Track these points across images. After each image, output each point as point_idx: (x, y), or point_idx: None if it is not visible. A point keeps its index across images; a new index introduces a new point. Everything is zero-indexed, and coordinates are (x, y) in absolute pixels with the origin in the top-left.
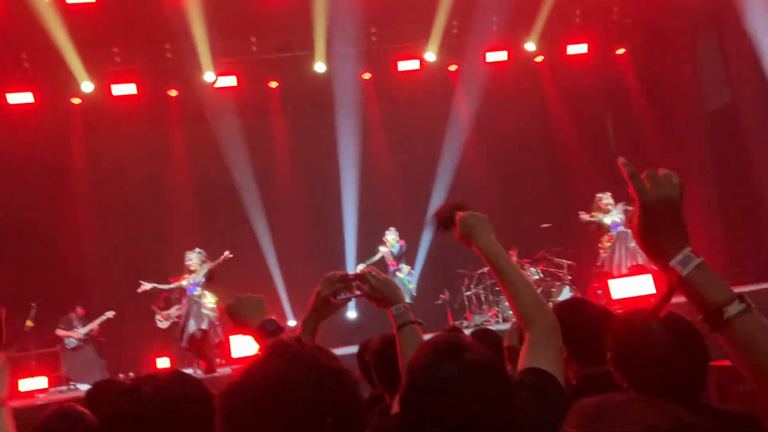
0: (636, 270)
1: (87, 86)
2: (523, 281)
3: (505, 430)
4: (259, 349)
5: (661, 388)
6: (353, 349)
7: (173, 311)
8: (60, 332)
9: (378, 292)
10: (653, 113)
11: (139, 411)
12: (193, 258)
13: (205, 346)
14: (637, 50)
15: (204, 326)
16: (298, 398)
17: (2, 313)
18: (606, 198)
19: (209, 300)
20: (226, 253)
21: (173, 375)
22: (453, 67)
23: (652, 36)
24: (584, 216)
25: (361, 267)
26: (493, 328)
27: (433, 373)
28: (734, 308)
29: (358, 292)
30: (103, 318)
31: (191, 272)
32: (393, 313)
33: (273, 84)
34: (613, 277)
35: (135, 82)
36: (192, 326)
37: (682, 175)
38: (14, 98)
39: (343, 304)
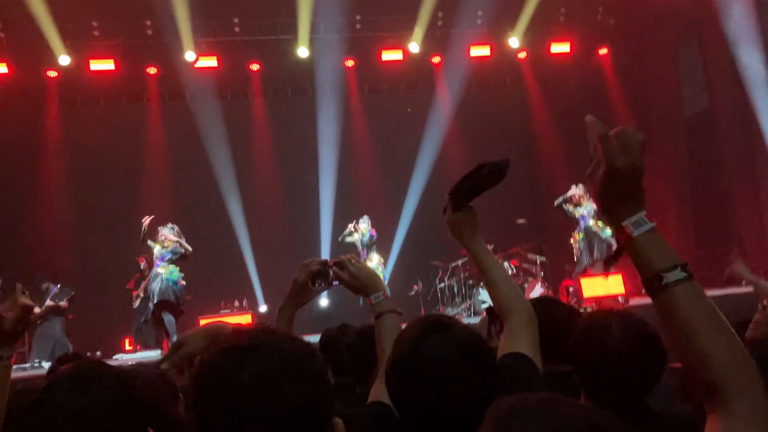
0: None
1: (64, 59)
2: (504, 275)
3: (487, 402)
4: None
5: (611, 388)
6: None
7: (141, 289)
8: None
9: (357, 279)
10: (632, 115)
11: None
12: (166, 232)
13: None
14: (619, 51)
15: (164, 297)
16: (263, 354)
17: None
18: (578, 190)
19: (170, 273)
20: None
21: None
22: (436, 59)
23: (634, 38)
24: (558, 200)
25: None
26: (465, 321)
27: (423, 346)
28: (674, 275)
29: (336, 281)
30: (63, 300)
31: (164, 246)
32: (372, 301)
33: (254, 66)
34: (587, 275)
35: (113, 58)
36: (153, 301)
37: (658, 179)
38: None
39: (322, 290)
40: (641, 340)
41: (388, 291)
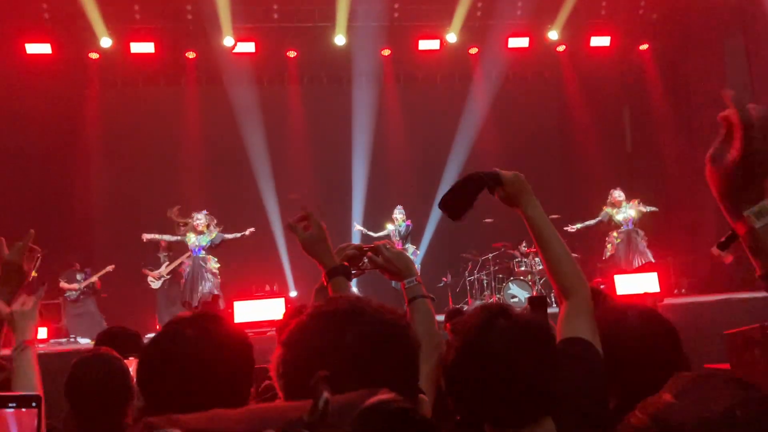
0: (645, 268)
1: (105, 42)
2: (565, 252)
3: (552, 389)
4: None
5: (630, 380)
6: None
7: (163, 269)
8: (62, 285)
9: (392, 264)
10: (672, 113)
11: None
12: (201, 219)
13: (217, 310)
14: (660, 47)
15: (216, 291)
16: (367, 320)
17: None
18: (618, 194)
19: (213, 264)
20: (251, 229)
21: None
22: (474, 50)
23: (677, 34)
24: (577, 226)
25: (359, 228)
26: None
27: (491, 331)
28: None
29: (369, 267)
30: (103, 272)
31: (199, 232)
32: (405, 286)
33: (291, 53)
34: (620, 272)
35: (153, 41)
36: (205, 287)
37: (698, 179)
38: (33, 48)
39: (357, 275)
40: (658, 333)
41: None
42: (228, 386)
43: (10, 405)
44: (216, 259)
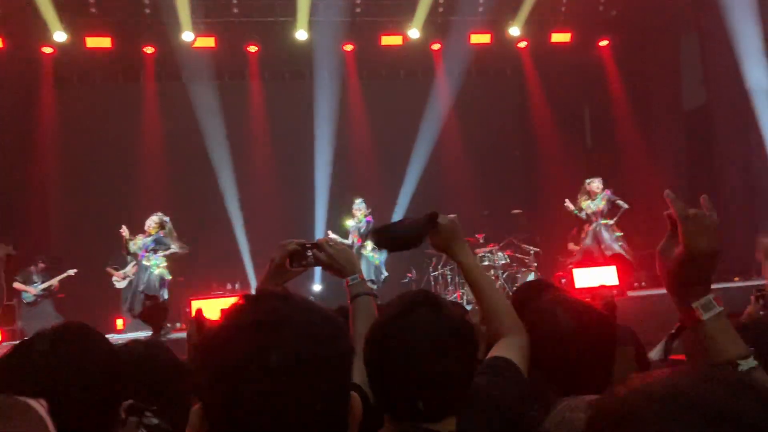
0: (611, 260)
1: (60, 36)
2: (503, 299)
3: (461, 389)
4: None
5: (561, 370)
6: None
7: (129, 269)
8: (17, 285)
9: (335, 261)
10: (631, 108)
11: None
12: (150, 223)
13: (153, 314)
14: (620, 43)
15: (151, 292)
16: (294, 333)
17: None
18: (596, 182)
19: (158, 262)
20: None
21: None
22: (436, 46)
23: (636, 30)
24: (569, 205)
25: (333, 236)
26: None
27: (412, 316)
28: (748, 364)
29: (313, 262)
30: (64, 275)
31: (147, 235)
32: (349, 283)
33: (252, 48)
34: (578, 265)
35: (110, 36)
36: (139, 294)
37: (655, 173)
38: None
39: (299, 272)
40: (590, 325)
41: (377, 277)
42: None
43: None
44: (163, 260)
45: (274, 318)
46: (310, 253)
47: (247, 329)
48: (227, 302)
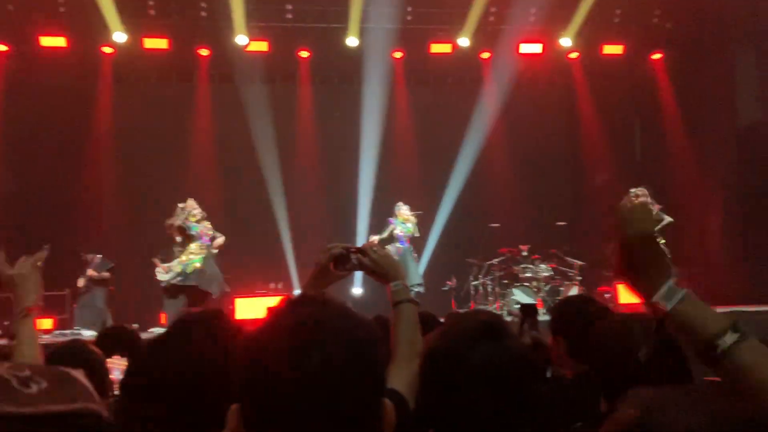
0: None
1: (119, 36)
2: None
3: (528, 420)
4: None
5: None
6: None
7: (175, 263)
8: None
9: (379, 266)
10: (683, 123)
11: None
12: (197, 213)
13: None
14: (673, 57)
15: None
16: (332, 338)
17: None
18: (641, 194)
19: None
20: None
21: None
22: (485, 55)
23: (690, 43)
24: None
25: (375, 239)
26: None
27: (477, 349)
28: (729, 339)
29: (357, 267)
30: (108, 266)
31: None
32: (391, 289)
33: (304, 53)
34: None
35: (167, 37)
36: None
37: (707, 189)
38: (47, 41)
39: (343, 276)
40: (663, 344)
41: (421, 282)
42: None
43: None
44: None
45: (311, 322)
46: (354, 258)
47: (284, 332)
48: (270, 301)
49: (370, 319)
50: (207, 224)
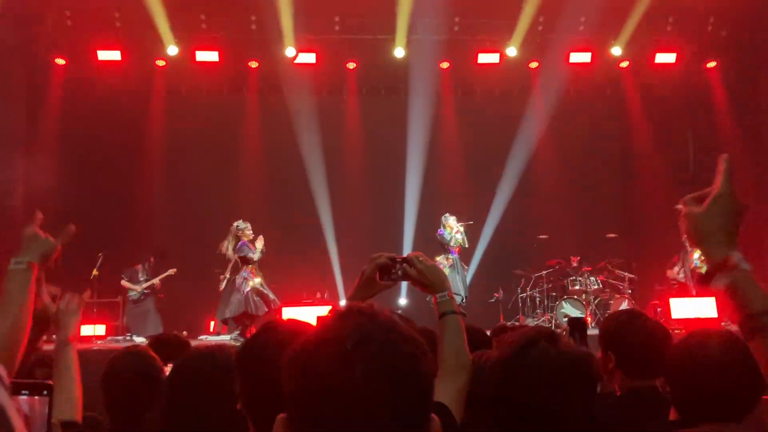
0: (704, 292)
1: (172, 50)
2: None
3: (586, 422)
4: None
5: (708, 406)
6: None
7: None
8: (124, 283)
9: (425, 277)
10: (739, 135)
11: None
12: (248, 230)
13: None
14: (729, 66)
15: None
16: (377, 351)
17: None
18: None
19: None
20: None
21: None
22: (534, 65)
23: (746, 52)
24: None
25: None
26: None
27: (530, 350)
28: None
29: (403, 277)
30: (165, 274)
31: (251, 241)
32: (437, 300)
33: (351, 65)
34: (675, 295)
35: (218, 50)
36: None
37: (763, 201)
38: (104, 55)
39: (389, 286)
40: (739, 360)
41: (465, 293)
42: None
43: (23, 392)
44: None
45: (358, 334)
46: (399, 268)
47: (332, 344)
48: (317, 310)
49: (418, 332)
50: (259, 245)
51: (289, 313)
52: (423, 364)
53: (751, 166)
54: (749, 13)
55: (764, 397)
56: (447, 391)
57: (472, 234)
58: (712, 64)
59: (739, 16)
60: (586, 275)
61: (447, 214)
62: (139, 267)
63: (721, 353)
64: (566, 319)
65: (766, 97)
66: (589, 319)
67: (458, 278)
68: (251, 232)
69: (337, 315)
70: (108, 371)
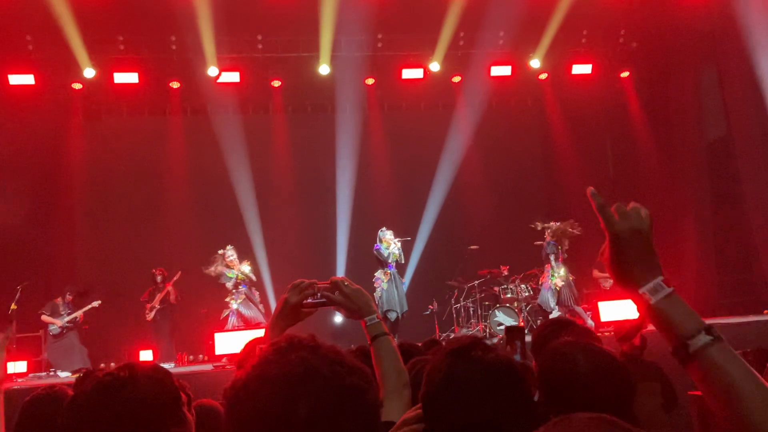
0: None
1: (89, 72)
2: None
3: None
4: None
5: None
6: None
7: (157, 304)
8: (45, 318)
9: (351, 301)
10: (653, 139)
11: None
12: (232, 255)
13: None
14: (641, 75)
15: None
16: (322, 386)
17: None
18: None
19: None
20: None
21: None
22: (456, 79)
23: (656, 62)
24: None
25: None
26: None
27: (451, 375)
28: (700, 340)
29: (326, 302)
30: (89, 307)
31: (230, 267)
32: (366, 324)
33: (276, 83)
34: (603, 298)
35: (137, 71)
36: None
37: (679, 204)
38: (16, 79)
39: (313, 311)
40: (607, 371)
41: (405, 307)
42: None
43: None
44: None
45: (302, 370)
46: (321, 294)
47: (275, 381)
48: (250, 334)
49: (353, 351)
50: (245, 269)
51: (221, 338)
52: (369, 395)
53: (666, 168)
54: (656, 27)
55: (690, 393)
56: (395, 408)
57: (405, 248)
58: (625, 74)
59: (648, 28)
60: (516, 283)
61: (384, 229)
62: (59, 300)
63: (588, 366)
64: (501, 327)
65: (676, 103)
66: (521, 325)
67: (396, 293)
68: (231, 257)
69: (279, 348)
70: (22, 416)
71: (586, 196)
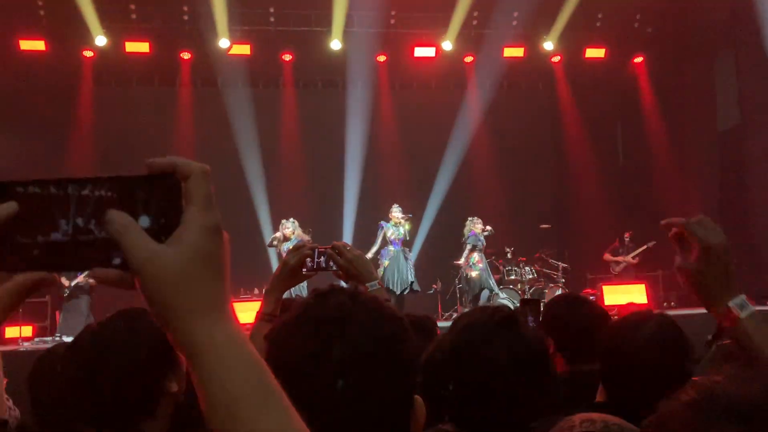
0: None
1: (100, 40)
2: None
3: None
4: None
5: (631, 387)
6: None
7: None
8: (63, 280)
9: (352, 266)
10: (664, 125)
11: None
12: (290, 226)
13: None
14: (654, 60)
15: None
16: (358, 332)
17: None
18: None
19: None
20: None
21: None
22: (469, 59)
23: (671, 48)
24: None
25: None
26: None
27: (494, 340)
28: None
29: (326, 267)
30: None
31: (286, 239)
32: (368, 290)
33: (287, 57)
34: (608, 282)
35: (148, 41)
36: None
37: (687, 190)
38: (26, 45)
39: (312, 274)
40: (669, 340)
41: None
42: None
43: None
44: None
45: (339, 314)
46: (323, 258)
47: (312, 324)
48: (254, 306)
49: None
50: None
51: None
52: (405, 345)
53: (677, 156)
54: (673, 12)
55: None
56: None
57: (412, 226)
58: (639, 59)
59: (664, 13)
60: (521, 265)
61: (394, 205)
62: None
63: (653, 332)
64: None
65: (689, 90)
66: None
67: (396, 271)
68: (291, 227)
69: (320, 293)
70: (33, 373)
71: (661, 227)
